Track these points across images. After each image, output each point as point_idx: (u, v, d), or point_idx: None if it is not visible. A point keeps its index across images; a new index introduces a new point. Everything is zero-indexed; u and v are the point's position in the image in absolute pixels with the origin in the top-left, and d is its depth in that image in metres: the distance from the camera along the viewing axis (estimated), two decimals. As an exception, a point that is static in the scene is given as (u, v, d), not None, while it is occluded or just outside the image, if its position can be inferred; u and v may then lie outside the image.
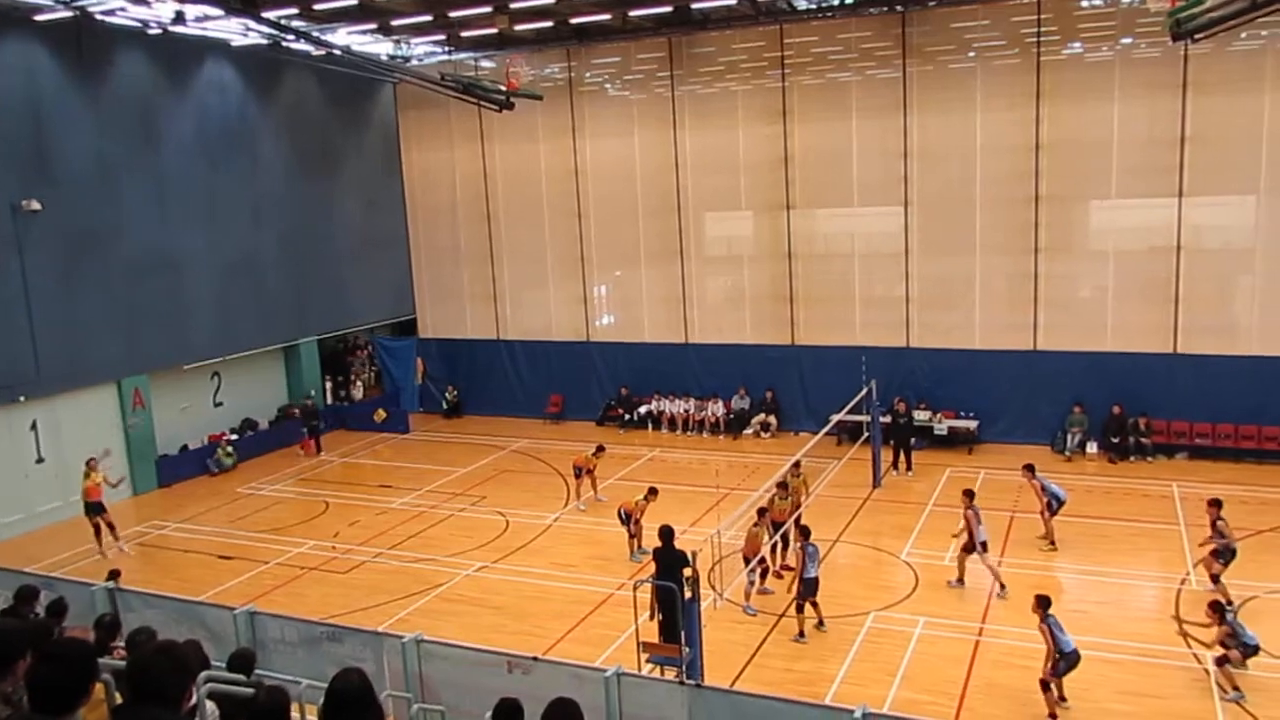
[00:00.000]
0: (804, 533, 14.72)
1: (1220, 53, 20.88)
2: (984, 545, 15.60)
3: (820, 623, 14.45)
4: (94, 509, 18.74)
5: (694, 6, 23.01)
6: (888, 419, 22.10)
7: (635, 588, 12.76)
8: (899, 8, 23.34)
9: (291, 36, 22.08)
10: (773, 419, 25.89)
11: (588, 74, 27.51)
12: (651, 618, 12.78)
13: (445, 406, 29.84)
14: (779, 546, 16.91)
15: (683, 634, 11.71)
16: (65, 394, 21.59)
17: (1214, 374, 21.94)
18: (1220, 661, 12.37)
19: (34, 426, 21.10)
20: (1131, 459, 22.21)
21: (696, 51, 26.01)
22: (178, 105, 23.81)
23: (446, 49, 27.05)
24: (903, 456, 22.22)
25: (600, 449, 21.24)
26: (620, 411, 27.57)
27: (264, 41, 23.13)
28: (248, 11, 20.14)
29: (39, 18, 20.20)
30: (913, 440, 22.56)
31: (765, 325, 26.35)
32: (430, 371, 30.27)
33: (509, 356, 29.52)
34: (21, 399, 20.62)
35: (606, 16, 24.03)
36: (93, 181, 21.80)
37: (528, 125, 27.45)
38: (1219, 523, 14.83)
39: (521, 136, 28.11)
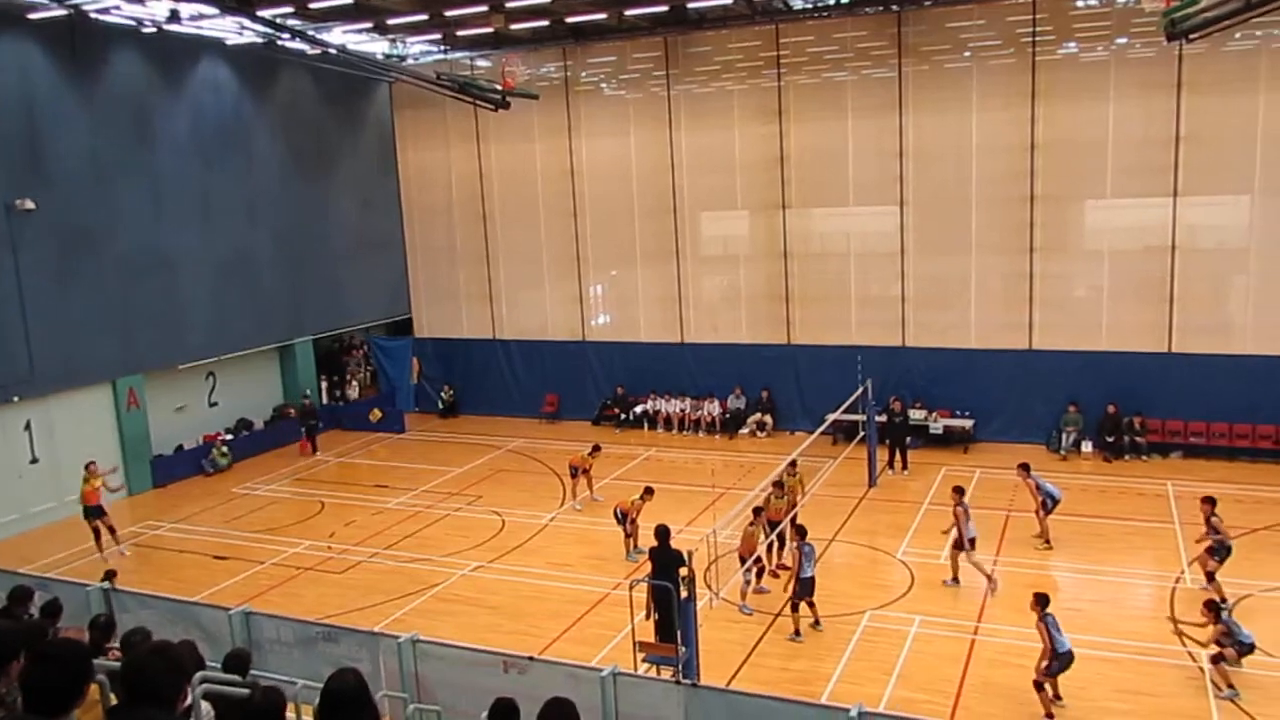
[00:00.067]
0: (800, 532, 14.73)
1: (1215, 53, 20.92)
2: (971, 542, 15.67)
3: (816, 622, 14.47)
4: (93, 513, 18.53)
5: (690, 6, 22.99)
6: (883, 418, 22.12)
7: (631, 587, 12.76)
8: (894, 7, 23.35)
9: (287, 35, 22.05)
10: (769, 418, 25.90)
11: (584, 73, 27.49)
12: (648, 617, 12.78)
13: (441, 406, 29.82)
14: (775, 545, 16.92)
15: (679, 633, 11.71)
16: (59, 394, 21.54)
17: (1208, 373, 21.98)
18: (1215, 659, 12.39)
19: (28, 427, 21.05)
20: (1126, 458, 22.25)
21: (692, 51, 26.01)
22: (172, 104, 23.76)
23: (442, 48, 27.04)
24: (898, 456, 22.25)
25: (596, 448, 21.25)
26: (616, 411, 27.57)
27: (259, 40, 23.08)
28: (243, 10, 20.14)
29: (33, 16, 20.14)
30: (908, 439, 22.59)
31: (761, 325, 26.36)
32: (426, 371, 30.25)
33: (505, 356, 29.51)
34: (15, 399, 20.57)
35: (602, 16, 24.01)
36: (87, 180, 21.74)
37: (523, 125, 27.44)
38: (1213, 519, 14.88)
39: (517, 136, 28.09)
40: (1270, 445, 21.52)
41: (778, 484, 17.21)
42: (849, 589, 15.92)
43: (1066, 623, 12.35)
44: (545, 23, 24.07)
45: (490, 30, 23.59)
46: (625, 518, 17.56)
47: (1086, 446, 22.80)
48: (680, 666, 11.43)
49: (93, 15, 20.53)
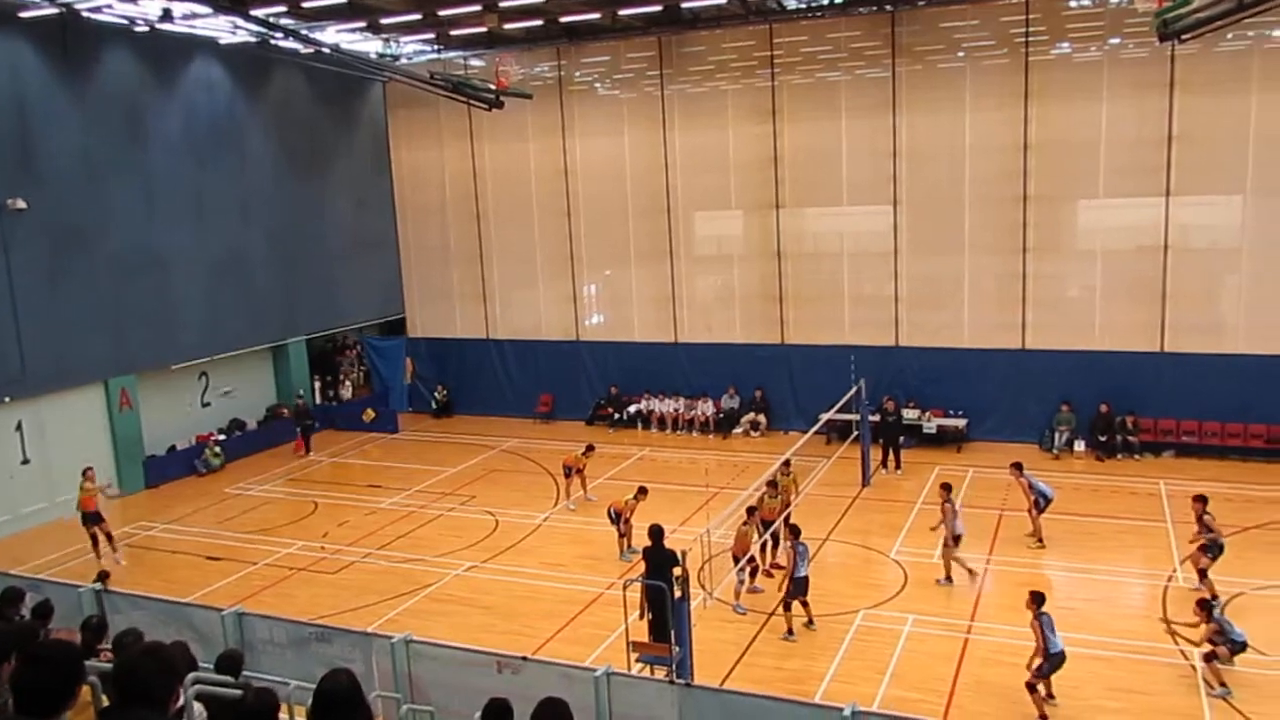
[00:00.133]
0: (794, 532, 14.76)
1: (1207, 53, 20.98)
2: (956, 539, 15.75)
3: (810, 621, 14.48)
4: (91, 519, 18.23)
5: (684, 6, 23.01)
6: (877, 418, 22.15)
7: (625, 587, 12.76)
8: (888, 7, 23.38)
9: (280, 34, 22.01)
10: (762, 418, 25.92)
11: (577, 73, 27.48)
12: (641, 617, 12.78)
13: (434, 406, 29.78)
14: (769, 545, 16.93)
15: (672, 633, 11.71)
16: (51, 394, 21.47)
17: (1200, 372, 22.06)
18: (1208, 658, 12.44)
19: (19, 427, 20.98)
20: (1119, 457, 22.31)
21: (686, 51, 26.01)
22: (165, 103, 23.69)
23: (436, 47, 27.00)
24: (892, 455, 22.28)
25: (590, 448, 21.25)
26: (610, 411, 27.56)
27: (252, 39, 23.02)
28: (236, 9, 20.09)
29: (24, 14, 20.06)
30: (901, 439, 22.63)
31: (755, 324, 26.38)
32: (419, 371, 30.21)
33: (498, 356, 29.48)
34: (6, 399, 20.51)
35: (596, 15, 24.01)
36: (79, 180, 21.67)
37: (517, 124, 27.42)
38: (1205, 517, 14.93)
39: (511, 136, 28.07)
40: (1262, 444, 21.60)
41: (771, 483, 17.22)
42: (842, 588, 15.94)
43: (1060, 621, 12.37)
44: (539, 22, 24.07)
45: (484, 30, 23.56)
46: (619, 517, 17.56)
47: (1079, 446, 22.86)
48: (674, 666, 11.43)
49: (85, 14, 20.46)
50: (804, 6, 24.05)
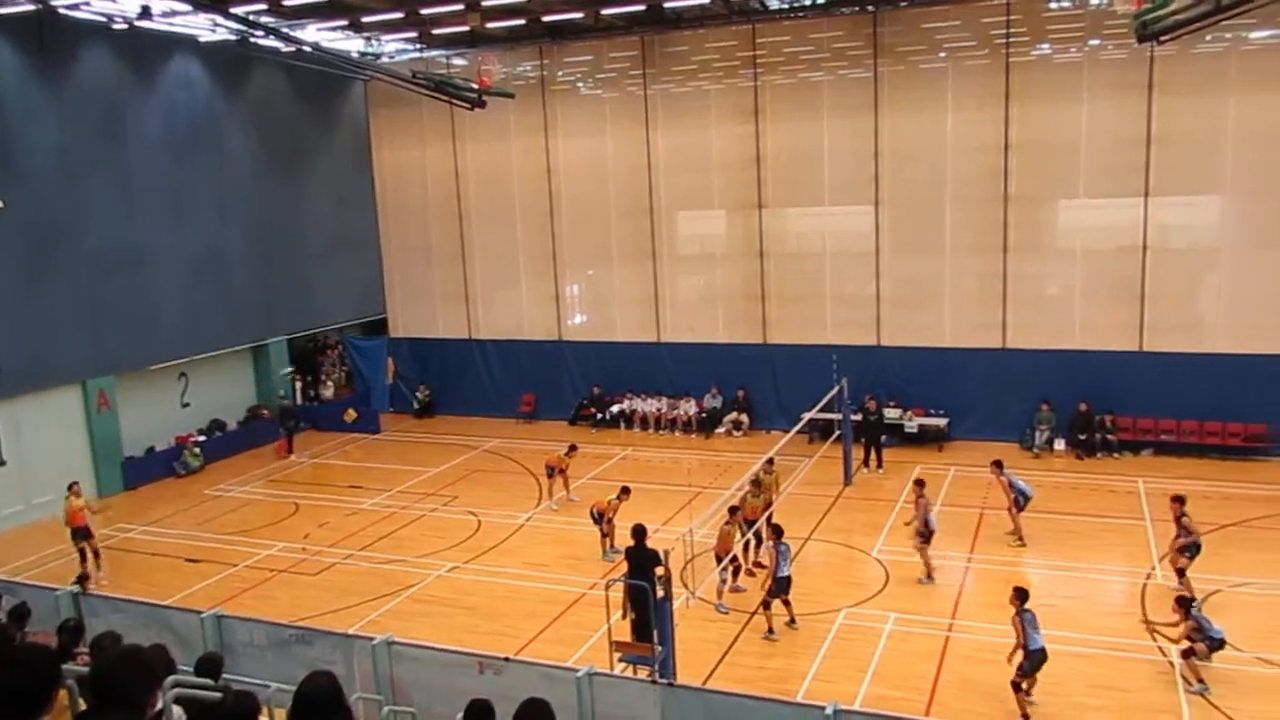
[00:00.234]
0: (776, 531, 14.77)
1: (1185, 55, 21.16)
2: (928, 536, 15.96)
3: (792, 620, 14.51)
4: (80, 534, 17.70)
5: (667, 5, 23.01)
6: (859, 417, 22.22)
7: (608, 587, 12.75)
8: (870, 8, 23.47)
9: (260, 32, 21.87)
10: (745, 417, 25.95)
11: (560, 72, 27.44)
12: (624, 617, 12.77)
13: (417, 406, 29.68)
14: (751, 543, 16.96)
15: (655, 633, 11.71)
16: (28, 395, 21.24)
17: (1179, 372, 22.24)
18: (1186, 654, 12.55)
19: (-4, 428, 20.78)
20: (1098, 455, 22.47)
21: (669, 50, 26.02)
22: (143, 101, 23.49)
23: (418, 46, 26.90)
24: (873, 454, 22.36)
25: (573, 448, 21.22)
26: (593, 411, 27.53)
27: (232, 37, 22.86)
28: (215, 7, 19.95)
29: (0, 11, 19.85)
30: (883, 438, 22.71)
31: (738, 324, 26.42)
32: (401, 371, 30.09)
33: (481, 356, 29.41)
34: (-17, 400, 20.31)
35: (579, 15, 23.99)
36: (56, 177, 21.45)
37: (500, 124, 27.35)
38: (1184, 519, 15.02)
39: (493, 135, 28.00)
40: (1239, 443, 21.79)
41: (755, 482, 17.26)
42: (825, 587, 15.98)
43: (1041, 619, 12.39)
44: (521, 21, 24.03)
45: (466, 29, 23.48)
46: (602, 517, 17.55)
47: (1059, 444, 23.01)
48: (657, 666, 11.42)
49: (62, 11, 20.28)
50: (786, 7, 24.12)
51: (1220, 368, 21.90)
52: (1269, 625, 14.05)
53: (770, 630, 14.28)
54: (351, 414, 28.17)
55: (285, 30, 22.43)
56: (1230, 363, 21.83)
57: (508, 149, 28.22)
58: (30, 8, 19.85)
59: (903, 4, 23.25)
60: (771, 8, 24.27)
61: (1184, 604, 12.75)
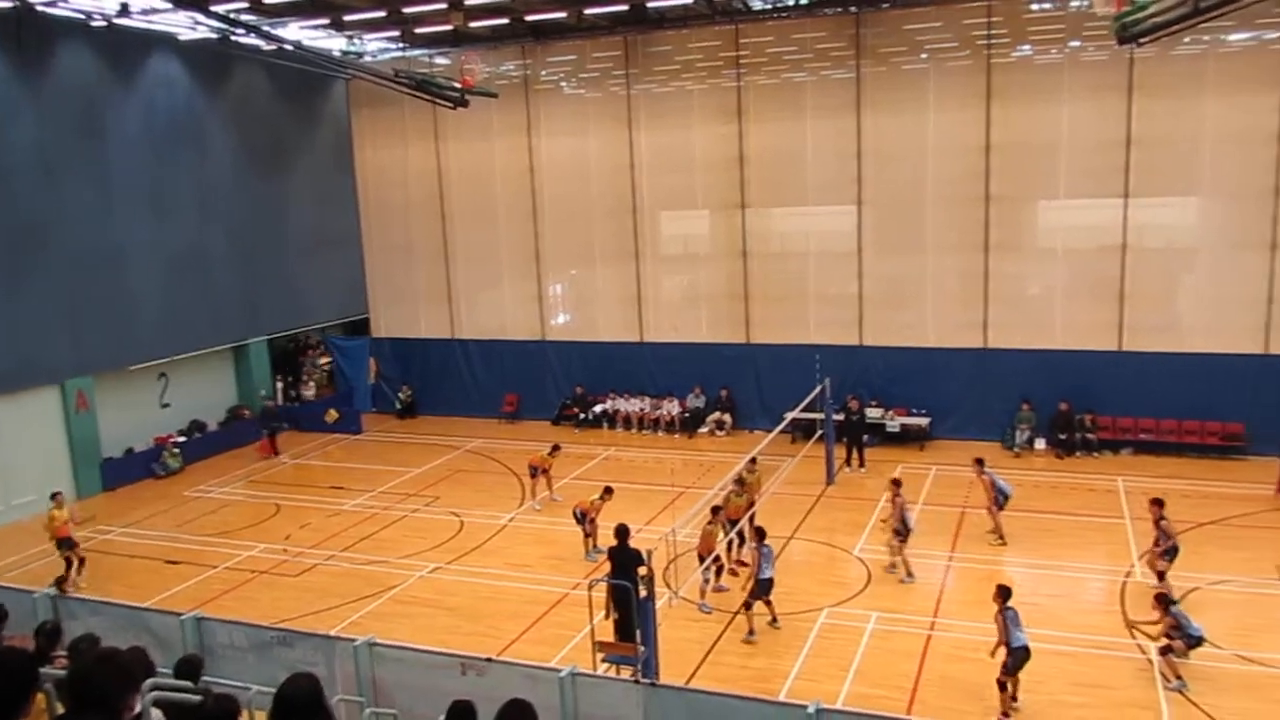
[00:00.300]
0: (759, 534, 14.77)
1: (1164, 57, 21.33)
2: (904, 534, 16.10)
3: (774, 620, 14.53)
4: (65, 545, 17.44)
5: (650, 5, 23.03)
6: (841, 416, 22.30)
7: (590, 587, 12.74)
8: (853, 9, 23.56)
9: (241, 30, 21.73)
10: (728, 417, 25.99)
11: (543, 72, 27.40)
12: (607, 617, 12.77)
13: (399, 406, 29.57)
14: (734, 542, 16.98)
15: (638, 632, 11.71)
16: (5, 396, 21.02)
17: (1158, 371, 22.42)
18: (1164, 651, 12.65)
19: (-27, 429, 20.58)
20: (1078, 455, 22.61)
21: (652, 50, 26.02)
22: (123, 99, 23.31)
23: (400, 45, 26.82)
24: (856, 453, 22.44)
25: (555, 448, 21.20)
26: (576, 411, 27.51)
27: (213, 35, 22.71)
28: (196, 5, 19.81)
29: (-23, 9, 19.70)
30: (865, 437, 22.79)
31: (720, 324, 26.45)
32: (384, 371, 29.98)
33: (463, 356, 29.33)
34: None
35: (562, 14, 23.97)
36: (34, 175, 21.26)
37: (482, 123, 27.28)
38: (1162, 522, 15.13)
39: (476, 135, 27.93)
40: (1217, 441, 21.99)
41: (739, 481, 17.29)
42: (807, 586, 16.02)
43: (1022, 617, 12.46)
44: (504, 21, 23.99)
45: (449, 28, 23.43)
46: (584, 517, 17.54)
47: (1040, 444, 23.15)
48: (639, 666, 11.43)
49: (40, 8, 20.09)
50: (769, 7, 24.18)
51: (1198, 367, 22.09)
52: (1246, 623, 14.18)
53: (751, 632, 14.29)
54: (333, 414, 28.04)
55: (266, 28, 22.29)
56: (1208, 362, 22.02)
57: (490, 148, 28.16)
58: (7, 4, 19.68)
59: (885, 5, 23.35)
60: (754, 8, 24.32)
61: (1163, 601, 12.85)
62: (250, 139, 26.75)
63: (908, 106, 23.77)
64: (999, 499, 17.45)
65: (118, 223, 23.05)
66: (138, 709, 5.89)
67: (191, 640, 10.67)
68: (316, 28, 24.13)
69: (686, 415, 26.30)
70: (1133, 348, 22.76)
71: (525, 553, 18.20)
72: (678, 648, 13.63)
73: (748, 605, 14.35)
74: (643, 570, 12.01)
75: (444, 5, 21.06)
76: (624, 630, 12.23)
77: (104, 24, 21.30)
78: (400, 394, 29.65)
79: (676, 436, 26.00)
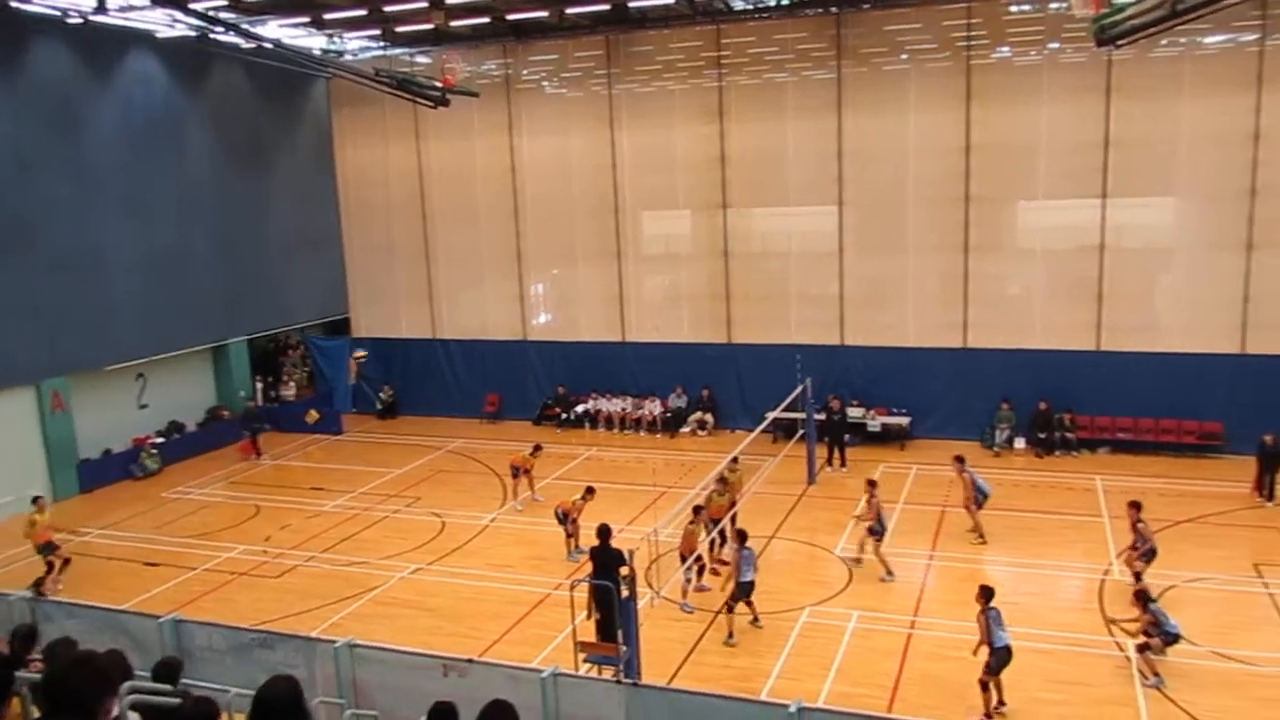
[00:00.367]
0: (740, 536, 14.76)
1: (1142, 59, 21.51)
2: (879, 533, 16.19)
3: (755, 619, 14.55)
4: (46, 549, 17.26)
5: (631, 5, 23.01)
6: (822, 416, 22.37)
7: (572, 587, 12.72)
8: (834, 10, 23.63)
9: (220, 28, 21.56)
10: (710, 417, 26.02)
11: (525, 71, 27.35)
12: (589, 617, 12.76)
13: (380, 407, 29.44)
14: (716, 541, 17.00)
15: (620, 633, 11.70)
16: (-20, 396, 20.85)
17: (1136, 370, 22.61)
18: (1142, 649, 12.76)
19: (-53, 430, 20.34)
20: (1057, 454, 22.77)
21: (634, 50, 26.02)
22: (100, 96, 23.08)
23: (381, 44, 26.69)
24: (837, 453, 22.52)
25: (537, 448, 21.15)
26: (557, 411, 27.47)
27: (191, 33, 22.53)
28: (174, 2, 19.64)
29: (-50, 5, 19.47)
30: (846, 437, 22.88)
31: (702, 324, 26.49)
32: (364, 371, 29.83)
33: (445, 356, 29.24)
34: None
35: (544, 14, 23.93)
36: (9, 172, 21.02)
37: (464, 123, 27.20)
38: (1139, 525, 15.27)
39: (457, 134, 27.85)
40: (1193, 440, 22.19)
41: (721, 479, 17.31)
42: (788, 585, 16.05)
43: (1003, 615, 12.54)
44: (486, 20, 23.90)
45: (430, 27, 23.35)
46: (566, 517, 17.51)
47: (1019, 443, 23.30)
48: (621, 666, 11.42)
49: (13, 4, 19.87)
50: (751, 8, 24.22)
51: (1176, 367, 22.29)
52: (1223, 620, 14.32)
53: (730, 635, 14.26)
54: (313, 415, 27.89)
55: (246, 27, 22.14)
56: (1185, 362, 22.22)
57: (471, 148, 28.08)
58: (-19, 1, 19.46)
59: (865, 6, 23.44)
60: (735, 8, 24.36)
61: (1142, 598, 12.96)
62: (230, 138, 26.56)
63: (888, 107, 23.87)
64: (978, 498, 17.55)
65: (94, 221, 22.84)
66: (115, 712, 5.84)
67: (170, 643, 10.59)
68: (296, 26, 23.98)
69: (668, 415, 26.31)
70: (1111, 347, 22.95)
71: (507, 553, 18.16)
72: (660, 647, 13.63)
73: (729, 608, 14.35)
74: (624, 570, 12.01)
75: (425, 4, 20.97)
76: (606, 630, 12.22)
77: (80, 20, 21.09)
78: (381, 394, 29.53)
79: (658, 436, 26.01)
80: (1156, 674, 12.55)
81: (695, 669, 13.45)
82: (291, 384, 29.77)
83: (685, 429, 26.11)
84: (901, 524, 18.51)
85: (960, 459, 18.04)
